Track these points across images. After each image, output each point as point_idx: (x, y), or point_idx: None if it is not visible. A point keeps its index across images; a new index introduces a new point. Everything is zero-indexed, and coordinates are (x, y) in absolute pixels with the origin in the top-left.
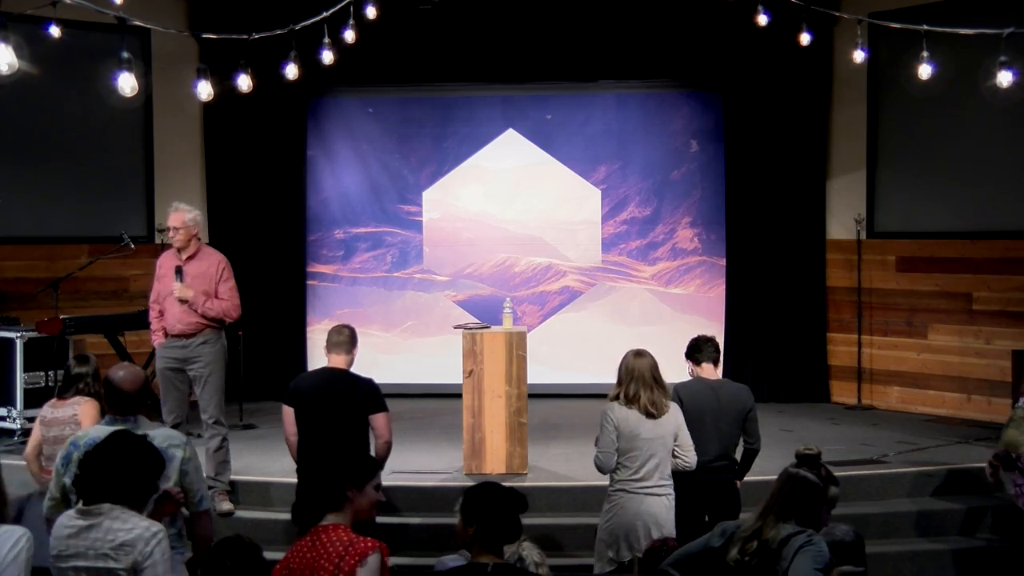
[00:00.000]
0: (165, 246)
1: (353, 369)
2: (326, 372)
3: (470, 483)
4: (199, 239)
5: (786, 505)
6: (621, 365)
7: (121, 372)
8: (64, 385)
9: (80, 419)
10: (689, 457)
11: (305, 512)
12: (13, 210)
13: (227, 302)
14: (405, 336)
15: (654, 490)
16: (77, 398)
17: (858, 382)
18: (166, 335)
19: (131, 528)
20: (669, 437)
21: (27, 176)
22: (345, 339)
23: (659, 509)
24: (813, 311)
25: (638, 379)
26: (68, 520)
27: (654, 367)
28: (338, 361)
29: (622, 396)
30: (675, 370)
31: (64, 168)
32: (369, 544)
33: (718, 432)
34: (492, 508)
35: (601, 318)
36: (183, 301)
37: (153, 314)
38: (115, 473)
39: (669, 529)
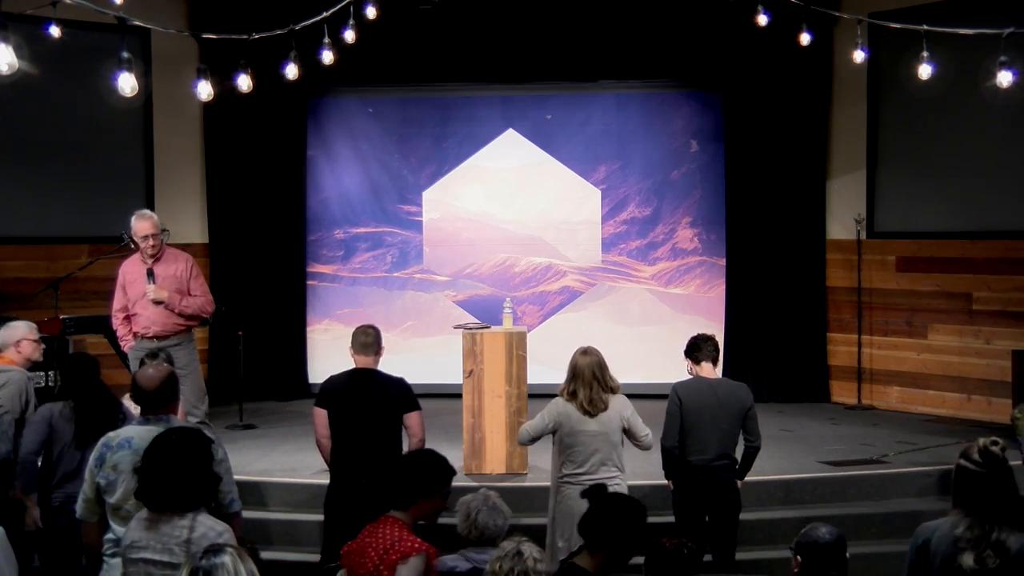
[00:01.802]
0: (168, 246)
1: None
2: (357, 373)
3: (470, 483)
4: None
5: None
6: (569, 363)
7: (149, 371)
8: None
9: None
10: (643, 440)
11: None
12: (13, 210)
13: (201, 298)
14: (405, 336)
15: (601, 481)
16: None
17: (858, 382)
18: (136, 338)
19: (196, 527)
20: (614, 432)
21: (27, 176)
22: (372, 340)
23: None
24: (813, 311)
25: (579, 376)
26: (142, 514)
27: (597, 365)
28: (366, 362)
29: (567, 393)
30: (675, 369)
31: (64, 168)
32: (416, 545)
33: (718, 431)
34: (627, 528)
35: (601, 318)
36: (159, 303)
37: (118, 322)
38: (170, 482)
39: None
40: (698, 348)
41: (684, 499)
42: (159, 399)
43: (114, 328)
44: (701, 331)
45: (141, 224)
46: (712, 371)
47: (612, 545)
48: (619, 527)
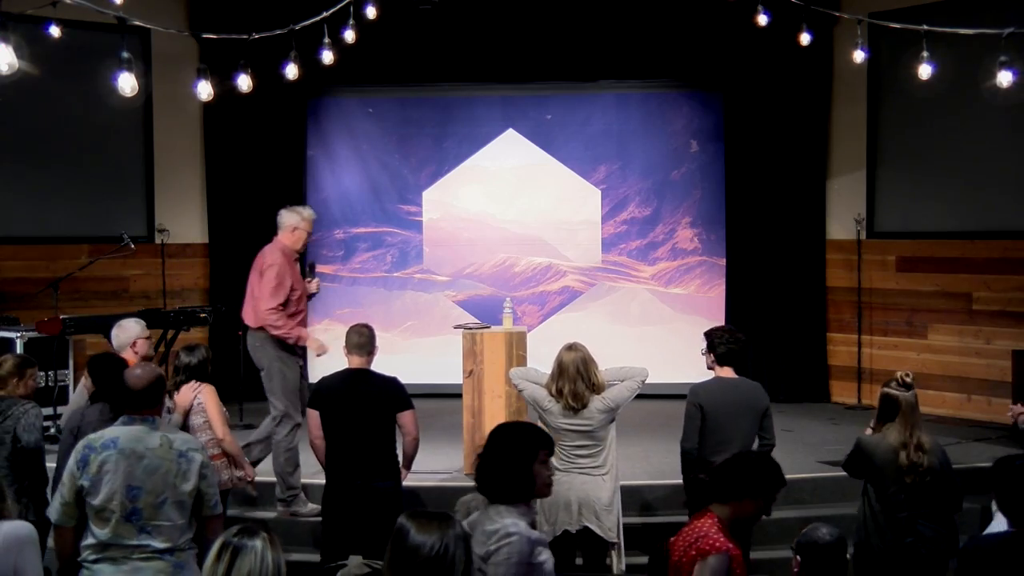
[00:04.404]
0: (168, 246)
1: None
2: (350, 373)
3: (470, 483)
4: None
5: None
6: (555, 359)
7: (137, 371)
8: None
9: (205, 404)
10: (637, 377)
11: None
12: (13, 210)
13: None
14: (405, 336)
15: (587, 470)
16: (193, 383)
17: (858, 382)
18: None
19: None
20: (599, 428)
21: (27, 176)
22: (366, 340)
23: (592, 487)
24: (813, 311)
25: (564, 372)
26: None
27: (581, 361)
28: (359, 362)
29: (554, 390)
30: (675, 370)
31: (64, 168)
32: (718, 544)
33: (739, 430)
34: None
35: (601, 318)
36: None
37: (284, 316)
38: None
39: (604, 504)
40: (713, 347)
41: (701, 501)
42: (145, 400)
43: (277, 323)
44: (701, 331)
45: (308, 220)
46: (731, 371)
47: None
48: None
